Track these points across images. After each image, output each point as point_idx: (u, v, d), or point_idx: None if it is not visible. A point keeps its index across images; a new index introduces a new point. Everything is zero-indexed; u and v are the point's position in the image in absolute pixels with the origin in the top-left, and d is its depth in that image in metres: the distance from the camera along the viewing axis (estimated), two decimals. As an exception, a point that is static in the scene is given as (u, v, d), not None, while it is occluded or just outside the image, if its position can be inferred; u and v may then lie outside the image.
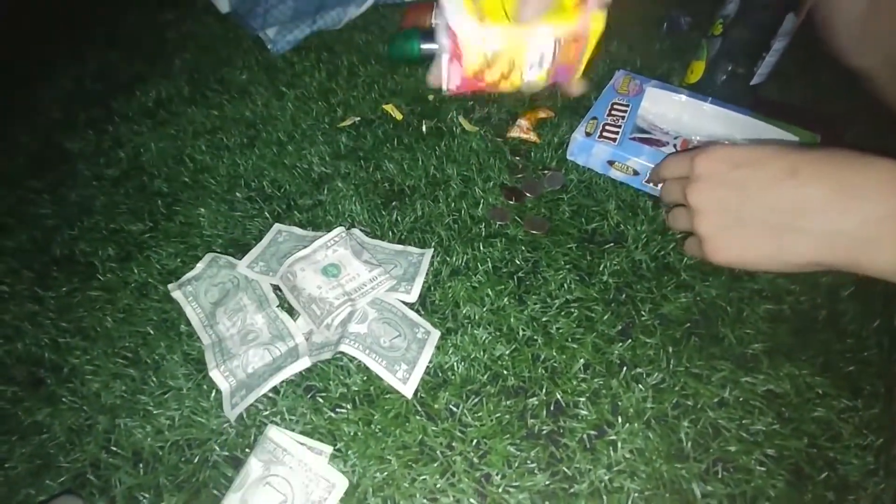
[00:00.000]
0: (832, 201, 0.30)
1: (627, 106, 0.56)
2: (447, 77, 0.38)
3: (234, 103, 0.69)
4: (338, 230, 0.51)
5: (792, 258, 0.32)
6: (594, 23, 0.36)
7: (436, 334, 0.47)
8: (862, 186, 0.29)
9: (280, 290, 0.50)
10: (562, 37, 0.36)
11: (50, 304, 0.52)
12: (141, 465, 0.42)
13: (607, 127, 0.54)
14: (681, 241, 0.43)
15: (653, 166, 0.49)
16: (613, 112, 0.55)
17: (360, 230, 0.55)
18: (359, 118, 0.65)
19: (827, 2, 0.46)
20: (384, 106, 0.66)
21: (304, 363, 0.44)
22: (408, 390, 0.43)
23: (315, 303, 0.47)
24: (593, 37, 0.36)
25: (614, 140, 0.53)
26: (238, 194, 0.59)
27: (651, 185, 0.53)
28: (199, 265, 0.52)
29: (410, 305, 0.49)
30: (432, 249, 0.52)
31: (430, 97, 0.66)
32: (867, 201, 0.29)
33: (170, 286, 0.51)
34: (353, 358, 0.45)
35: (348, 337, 0.44)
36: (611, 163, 0.54)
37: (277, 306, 0.49)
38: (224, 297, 0.49)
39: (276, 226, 0.56)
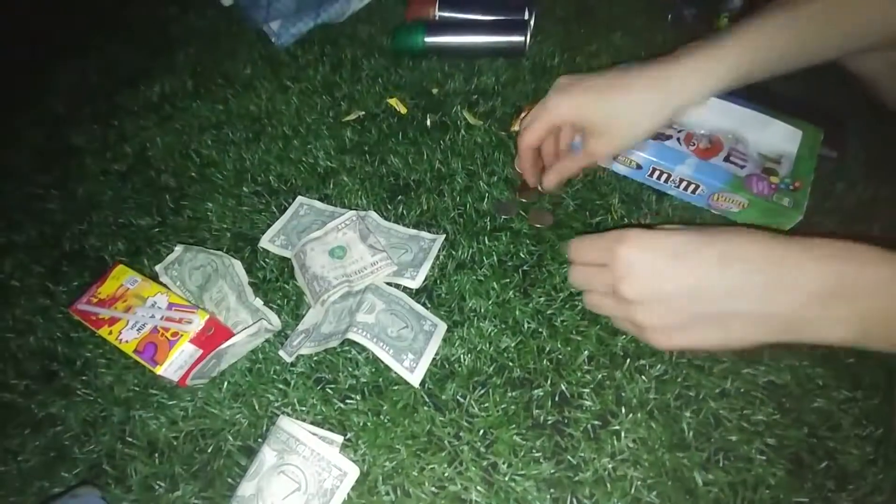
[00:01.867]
0: (769, 285, 0.30)
1: (632, 99, 0.56)
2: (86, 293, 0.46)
3: (239, 97, 0.69)
4: (349, 214, 0.52)
5: (739, 342, 0.32)
6: (192, 326, 0.42)
7: (442, 327, 0.47)
8: (797, 267, 0.30)
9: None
10: (173, 308, 0.44)
11: (61, 298, 0.53)
12: (156, 455, 0.43)
13: (611, 121, 0.55)
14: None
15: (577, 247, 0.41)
16: (618, 106, 0.56)
17: (376, 213, 0.56)
18: (363, 112, 0.65)
19: None
20: (388, 100, 0.66)
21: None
22: (414, 379, 0.44)
23: (316, 280, 0.49)
24: (183, 338, 0.42)
25: (618, 134, 0.53)
26: (245, 189, 0.60)
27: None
28: (178, 248, 0.53)
29: (414, 292, 0.50)
30: (444, 235, 0.53)
31: (435, 90, 0.67)
32: (804, 281, 0.29)
33: (157, 268, 0.52)
34: (362, 350, 0.46)
35: (356, 325, 0.45)
36: (614, 157, 0.54)
37: (256, 299, 0.50)
38: (207, 281, 0.50)
39: (299, 199, 0.57)
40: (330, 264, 0.49)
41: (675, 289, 0.32)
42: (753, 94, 0.52)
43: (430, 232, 0.54)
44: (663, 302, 0.33)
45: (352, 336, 0.44)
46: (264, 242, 0.54)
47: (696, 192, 0.52)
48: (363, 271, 0.49)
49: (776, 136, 0.53)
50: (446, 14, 0.72)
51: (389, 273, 0.50)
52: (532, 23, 0.70)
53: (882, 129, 0.58)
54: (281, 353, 0.47)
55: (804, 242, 0.30)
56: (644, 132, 0.45)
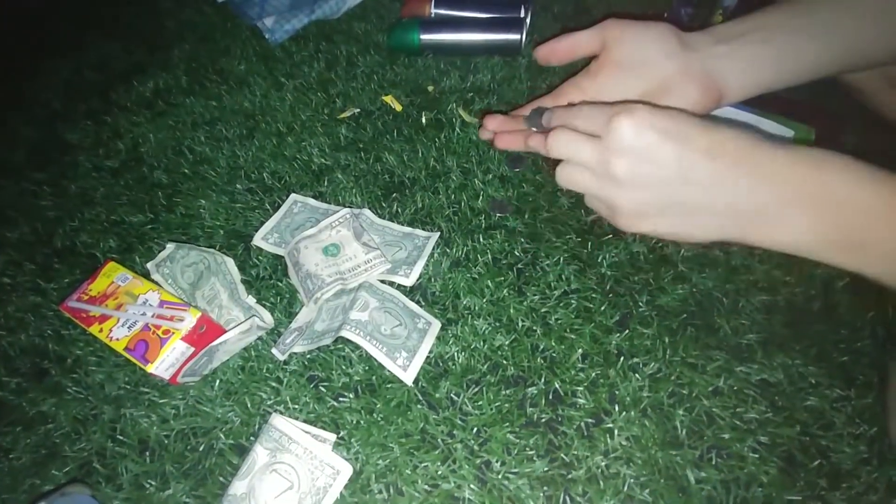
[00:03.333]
0: (741, 180, 0.31)
1: (627, 98, 0.56)
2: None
3: (233, 94, 0.69)
4: (344, 211, 0.52)
5: (698, 234, 0.34)
6: (184, 324, 0.42)
7: (436, 325, 0.47)
8: (770, 168, 0.31)
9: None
10: (165, 306, 0.43)
11: (52, 295, 0.53)
12: (147, 454, 0.43)
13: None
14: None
15: (540, 108, 0.44)
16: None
17: (370, 211, 0.55)
18: (358, 109, 0.65)
19: None
20: (384, 97, 0.66)
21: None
22: (408, 377, 0.44)
23: (310, 278, 0.48)
24: (175, 336, 0.42)
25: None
26: (238, 186, 0.59)
27: (529, 125, 0.45)
28: (169, 246, 0.53)
29: (409, 290, 0.50)
30: (438, 234, 0.53)
31: (430, 88, 0.66)
32: (773, 181, 0.31)
33: (149, 265, 0.52)
34: (355, 348, 0.46)
35: (349, 323, 0.45)
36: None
37: (248, 297, 0.50)
38: (199, 279, 0.50)
39: (293, 196, 0.57)
40: (323, 262, 0.49)
41: (663, 175, 0.32)
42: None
43: (424, 230, 0.54)
44: (648, 187, 0.33)
45: (345, 334, 0.44)
46: (257, 240, 0.54)
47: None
48: (357, 269, 0.49)
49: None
50: (442, 11, 0.72)
51: (383, 271, 0.50)
52: (528, 21, 0.70)
53: (876, 134, 0.58)
54: (274, 351, 0.47)
55: (789, 149, 0.31)
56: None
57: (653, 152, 0.32)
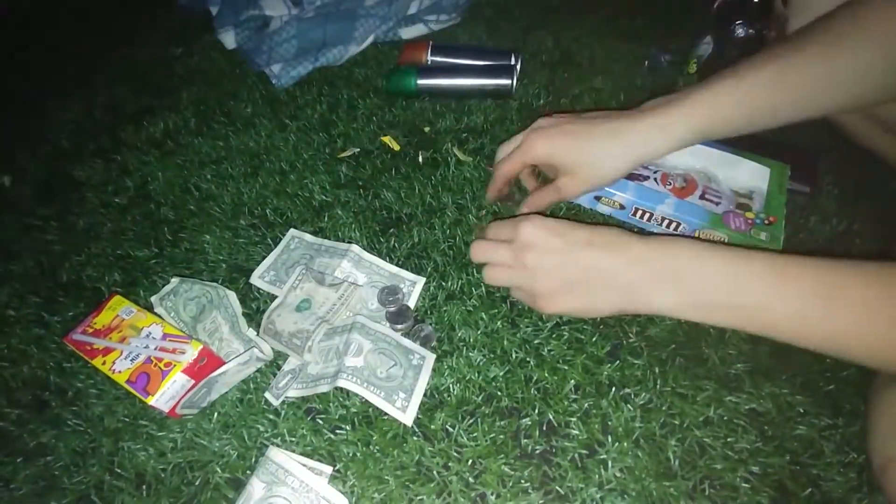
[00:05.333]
0: (620, 266, 0.40)
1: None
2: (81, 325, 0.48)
3: (239, 135, 0.72)
4: (297, 270, 0.53)
5: (601, 308, 0.42)
6: (186, 356, 0.44)
7: (431, 359, 0.48)
8: (636, 253, 0.40)
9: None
10: (167, 338, 0.45)
11: (56, 328, 0.54)
12: (144, 487, 0.43)
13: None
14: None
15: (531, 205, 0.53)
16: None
17: (361, 247, 0.56)
18: (358, 149, 0.68)
19: None
20: (382, 137, 0.69)
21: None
22: (407, 418, 0.44)
23: (295, 336, 0.48)
24: (175, 368, 0.43)
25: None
26: (242, 221, 0.61)
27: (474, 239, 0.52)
28: (174, 280, 0.54)
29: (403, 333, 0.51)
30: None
31: (426, 129, 0.70)
32: (640, 265, 0.40)
33: (152, 298, 0.53)
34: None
35: (345, 371, 0.45)
36: (598, 198, 0.56)
37: (249, 329, 0.51)
38: (201, 312, 0.51)
39: (291, 231, 0.59)
40: (301, 318, 0.49)
41: (558, 262, 0.41)
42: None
43: (418, 265, 0.55)
44: (551, 273, 0.42)
45: (342, 384, 0.44)
46: (254, 279, 0.55)
47: (678, 230, 0.54)
48: (334, 307, 0.50)
49: (745, 174, 0.56)
50: (438, 59, 0.76)
51: (356, 295, 0.51)
52: (518, 67, 0.74)
53: (854, 165, 0.61)
54: (267, 395, 0.47)
55: (648, 239, 0.41)
56: (607, 177, 0.49)
57: (548, 245, 0.42)
